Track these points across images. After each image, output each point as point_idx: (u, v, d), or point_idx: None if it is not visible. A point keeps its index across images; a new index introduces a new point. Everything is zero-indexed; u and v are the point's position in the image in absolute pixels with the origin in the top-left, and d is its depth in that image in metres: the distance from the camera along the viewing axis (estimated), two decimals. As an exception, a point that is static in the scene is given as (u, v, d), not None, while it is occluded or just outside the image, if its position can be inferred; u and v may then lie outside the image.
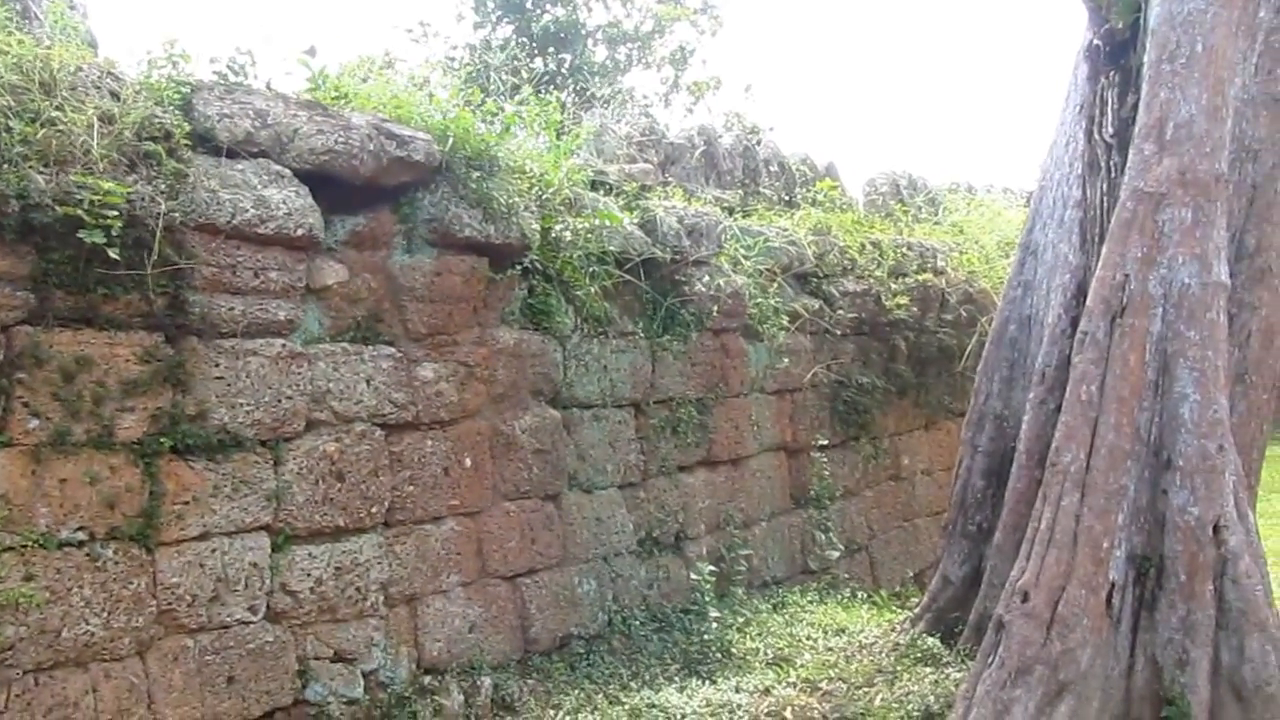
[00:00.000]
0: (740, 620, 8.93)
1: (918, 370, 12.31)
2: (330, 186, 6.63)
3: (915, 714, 6.80)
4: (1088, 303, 6.57)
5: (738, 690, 7.42)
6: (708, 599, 8.77)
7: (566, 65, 19.97)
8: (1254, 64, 7.00)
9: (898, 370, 11.99)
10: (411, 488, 7.13)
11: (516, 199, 7.63)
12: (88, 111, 5.61)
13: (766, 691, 7.38)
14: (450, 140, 7.24)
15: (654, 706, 7.17)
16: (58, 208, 5.26)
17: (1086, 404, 6.31)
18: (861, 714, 6.89)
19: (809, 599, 9.81)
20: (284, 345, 6.43)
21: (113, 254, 5.38)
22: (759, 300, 10.02)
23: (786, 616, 9.19)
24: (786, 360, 10.37)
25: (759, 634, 8.65)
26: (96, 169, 5.49)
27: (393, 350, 7.06)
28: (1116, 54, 7.28)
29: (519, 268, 7.74)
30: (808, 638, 8.62)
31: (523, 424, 7.88)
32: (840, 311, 11.04)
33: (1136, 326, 6.30)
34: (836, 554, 10.77)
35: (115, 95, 5.89)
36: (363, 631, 6.82)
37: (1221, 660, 6.05)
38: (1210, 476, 6.11)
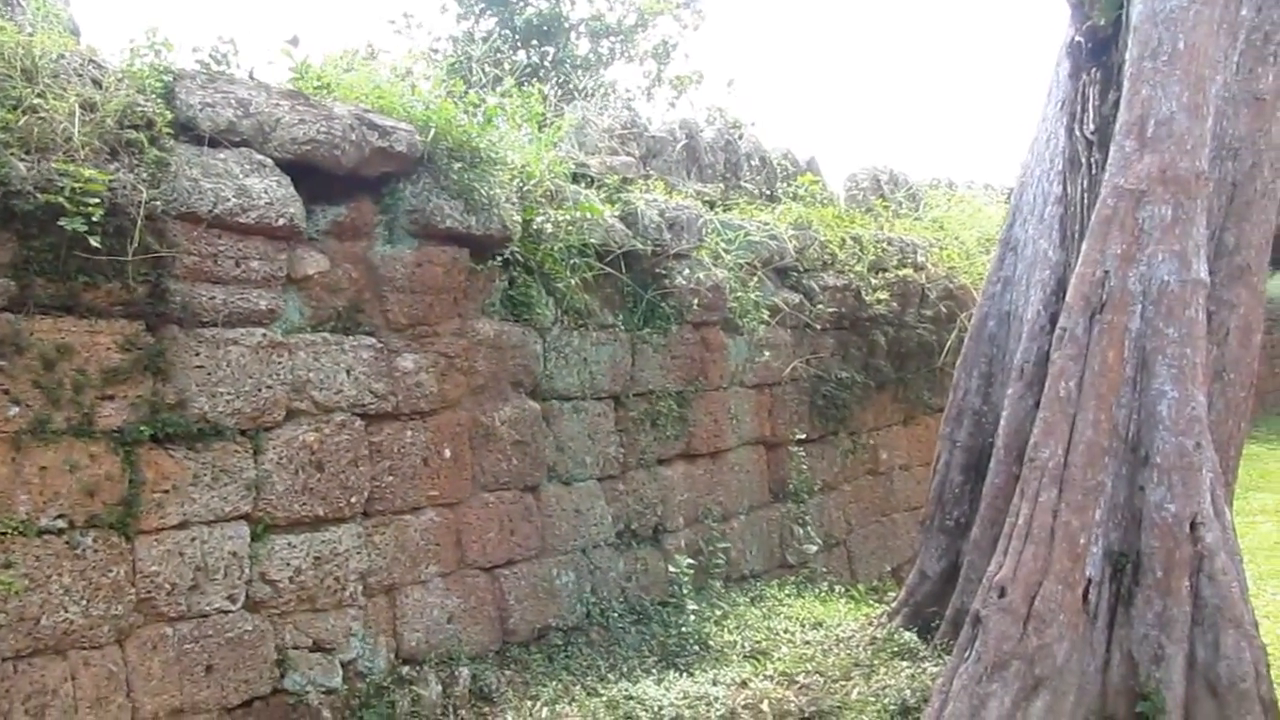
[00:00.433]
0: (718, 613, 8.93)
1: (897, 365, 12.33)
2: (312, 176, 6.63)
3: (892, 707, 6.83)
4: (1067, 299, 6.60)
5: (715, 683, 7.42)
6: (686, 592, 8.77)
7: (549, 58, 19.95)
8: (1235, 62, 7.03)
9: (877, 365, 12.00)
10: (391, 478, 7.13)
11: (498, 190, 7.63)
12: (69, 99, 5.60)
13: (744, 684, 7.40)
14: (432, 131, 7.24)
15: (631, 698, 7.17)
16: (39, 195, 5.25)
17: (1065, 400, 6.34)
18: (838, 707, 6.91)
19: (787, 593, 9.83)
20: (265, 335, 6.42)
21: (94, 242, 5.36)
22: (739, 294, 10.03)
23: (764, 610, 9.20)
24: (766, 354, 10.38)
25: (736, 627, 8.66)
26: (78, 156, 5.48)
27: (373, 341, 7.05)
28: (1098, 51, 7.30)
29: (500, 259, 7.73)
30: (785, 631, 8.64)
31: (502, 415, 7.88)
32: (820, 306, 11.05)
33: (1115, 323, 6.33)
34: (814, 548, 10.78)
35: (97, 83, 5.88)
36: (341, 621, 6.81)
37: (1197, 656, 6.08)
38: (1187, 473, 6.14)
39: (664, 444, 9.36)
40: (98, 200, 5.37)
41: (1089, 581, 6.15)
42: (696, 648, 8.19)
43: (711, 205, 10.74)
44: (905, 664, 7.52)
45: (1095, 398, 6.28)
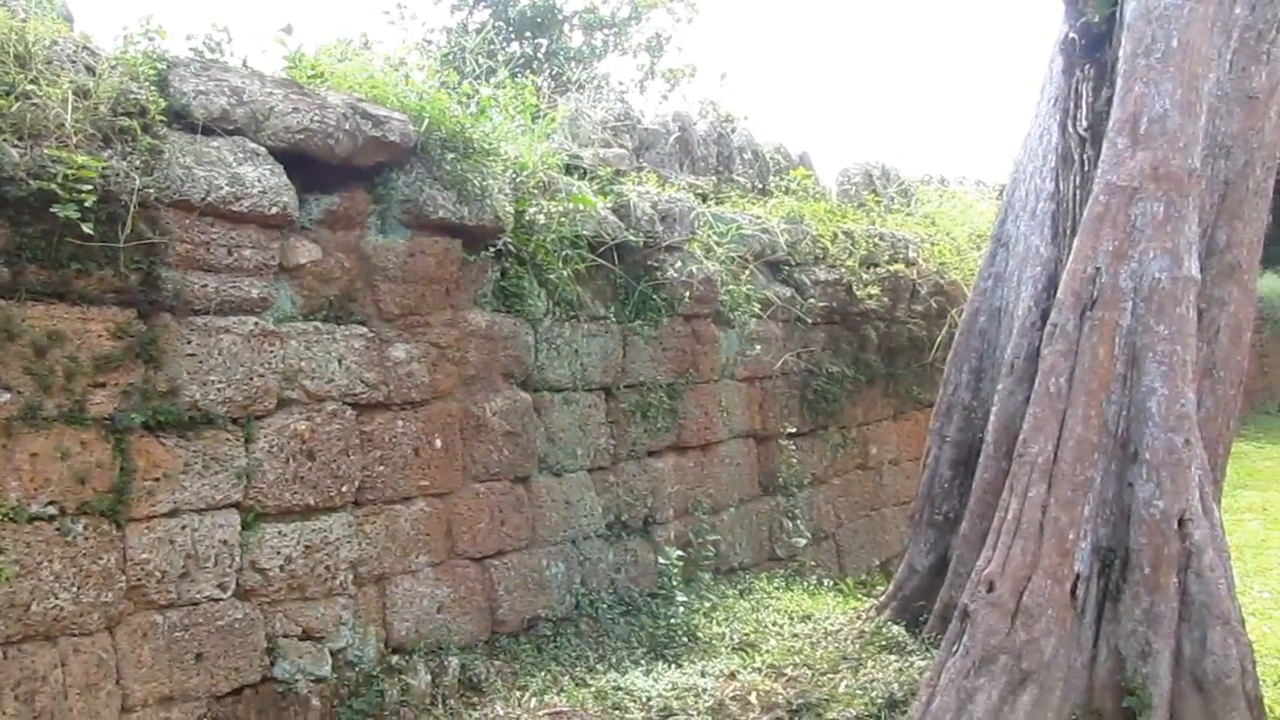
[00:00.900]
0: (707, 605, 8.95)
1: (887, 360, 12.36)
2: (305, 165, 6.63)
3: (879, 701, 6.84)
4: (1058, 295, 6.61)
5: (703, 674, 7.44)
6: (675, 583, 8.80)
7: (543, 50, 19.94)
8: (1228, 60, 7.03)
9: (867, 360, 12.02)
10: (382, 468, 7.13)
11: (491, 181, 7.63)
12: (62, 85, 5.59)
13: (732, 676, 7.41)
14: (426, 121, 7.23)
15: (620, 689, 7.19)
16: (31, 181, 5.24)
17: (1055, 396, 6.35)
18: (826, 700, 6.93)
19: (775, 585, 9.85)
20: (256, 323, 6.42)
21: (86, 229, 5.35)
22: (731, 287, 10.03)
23: (753, 602, 9.22)
24: (757, 347, 10.40)
25: (725, 619, 8.68)
26: (71, 143, 5.47)
27: (365, 330, 7.05)
28: (1092, 48, 7.31)
29: (492, 250, 7.73)
30: (773, 624, 8.65)
31: (493, 406, 7.89)
32: (811, 300, 11.06)
33: (1106, 320, 6.34)
34: (803, 541, 10.81)
35: (90, 70, 5.87)
36: (331, 610, 6.82)
37: (1184, 652, 6.10)
38: (1176, 470, 6.16)
39: (654, 436, 9.37)
40: (90, 187, 5.36)
41: (1077, 577, 6.16)
42: (685, 639, 8.21)
43: (704, 198, 10.77)
44: (893, 657, 7.53)
45: (1085, 394, 6.29)
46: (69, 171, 5.33)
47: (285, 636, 6.60)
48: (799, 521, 10.87)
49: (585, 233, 8.40)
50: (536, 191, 8.17)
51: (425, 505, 7.43)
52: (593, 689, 7.20)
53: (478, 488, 7.81)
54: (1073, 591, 6.15)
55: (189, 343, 6.09)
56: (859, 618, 8.49)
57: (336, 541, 6.84)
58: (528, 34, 19.82)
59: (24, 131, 5.35)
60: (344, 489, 6.88)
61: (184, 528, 6.11)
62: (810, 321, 11.11)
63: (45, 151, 5.35)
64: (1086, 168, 7.19)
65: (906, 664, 7.37)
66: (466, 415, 7.71)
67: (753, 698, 7.02)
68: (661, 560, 8.90)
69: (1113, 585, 6.28)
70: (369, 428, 7.07)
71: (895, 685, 7.00)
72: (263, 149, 6.42)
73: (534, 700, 7.03)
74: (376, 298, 7.11)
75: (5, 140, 5.26)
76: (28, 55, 5.61)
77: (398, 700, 6.83)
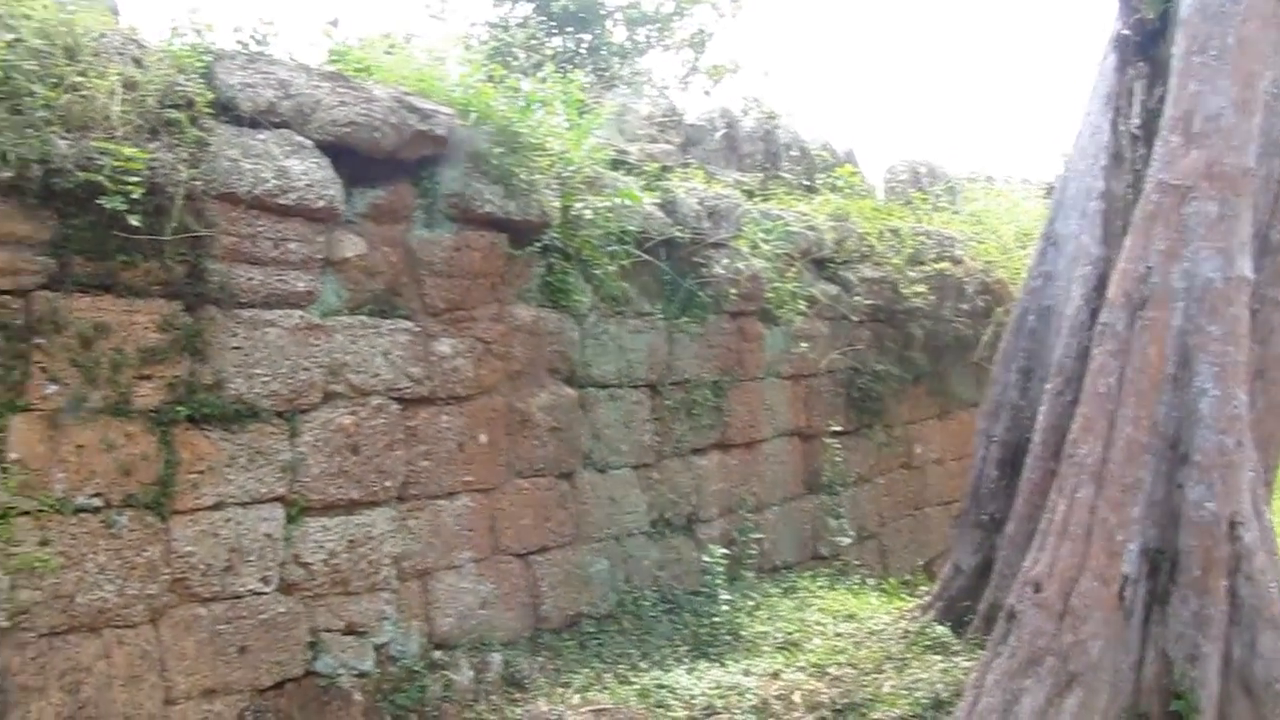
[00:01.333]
0: (750, 604, 8.91)
1: (933, 359, 12.27)
2: (350, 159, 6.63)
3: (924, 701, 6.78)
4: (1108, 295, 6.54)
5: (747, 673, 7.40)
6: (718, 582, 8.77)
7: (585, 45, 19.90)
8: (1285, 58, 6.94)
9: (913, 358, 11.95)
10: (426, 463, 7.13)
11: (537, 176, 7.64)
12: (110, 78, 5.61)
13: (775, 675, 7.37)
14: (472, 115, 7.23)
15: (663, 687, 7.16)
16: (79, 173, 5.26)
17: (1105, 396, 6.29)
18: (870, 700, 6.88)
19: (819, 584, 9.79)
20: (302, 317, 6.44)
21: (133, 221, 5.38)
22: (777, 284, 9.99)
23: (796, 601, 9.17)
24: (803, 345, 10.35)
25: (769, 618, 8.64)
26: (118, 135, 5.48)
27: (410, 324, 7.06)
28: (1145, 45, 7.23)
29: (538, 245, 7.73)
30: (817, 623, 8.60)
31: (538, 402, 7.88)
32: (857, 298, 11.01)
33: (1157, 320, 6.27)
34: (847, 540, 10.76)
35: (138, 62, 5.88)
36: (374, 605, 6.82)
37: (1233, 656, 6.02)
38: (1227, 472, 6.08)
39: (699, 433, 9.35)
40: (138, 179, 5.38)
41: (1125, 579, 6.09)
42: (728, 638, 8.18)
43: (750, 195, 10.72)
44: (938, 658, 7.47)
45: (1135, 394, 6.22)
46: (116, 163, 5.35)
47: (328, 631, 6.60)
48: (843, 520, 10.81)
49: (631, 228, 8.39)
50: (583, 186, 8.15)
51: (469, 500, 7.43)
52: (636, 687, 7.17)
53: (522, 483, 7.80)
54: (1120, 593, 6.07)
55: (235, 336, 6.10)
56: (903, 618, 8.43)
57: (380, 536, 6.84)
58: (570, 29, 19.77)
59: (72, 123, 5.38)
60: (388, 484, 6.88)
61: (228, 521, 6.12)
62: (856, 319, 11.06)
63: (93, 143, 5.36)
64: (1138, 166, 7.12)
65: (951, 665, 7.30)
66: (511, 410, 7.70)
67: (796, 697, 6.98)
68: (705, 558, 8.87)
69: (1161, 588, 6.20)
70: (413, 422, 7.07)
71: (940, 686, 6.94)
72: (309, 142, 6.42)
73: (577, 697, 7.01)
74: (422, 292, 7.11)
75: (54, 132, 5.28)
76: (76, 47, 5.63)
77: (440, 696, 6.82)
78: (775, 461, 10.25)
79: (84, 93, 5.46)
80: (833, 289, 10.87)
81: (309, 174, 6.30)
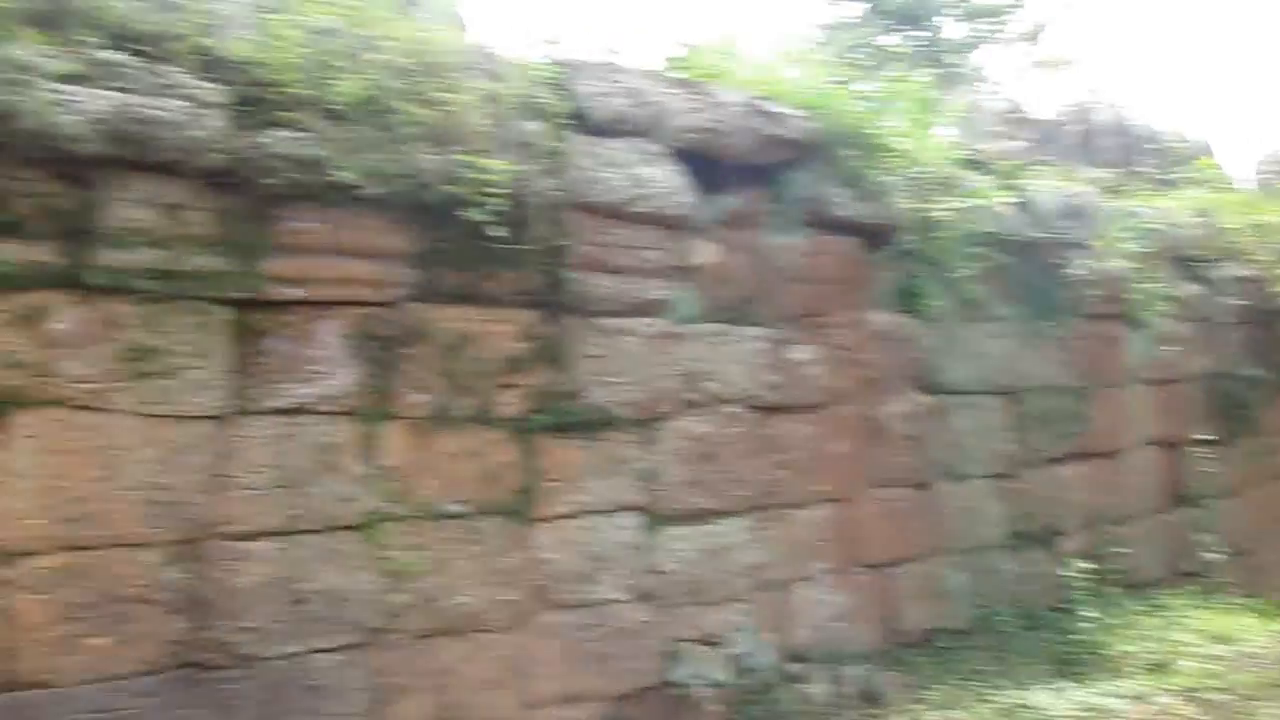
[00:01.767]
0: (1113, 621, 8.52)
1: (1308, 364, 11.56)
2: (700, 165, 6.60)
3: (1309, 731, 6.36)
4: None
5: (1113, 695, 7.05)
6: (1079, 597, 8.44)
7: (919, 43, 19.63)
8: None
9: (1285, 363, 11.29)
10: (780, 472, 7.05)
11: (889, 178, 7.47)
12: (471, 92, 5.71)
13: (1143, 698, 7.00)
14: (822, 118, 7.12)
15: (1025, 706, 6.87)
16: (444, 187, 5.37)
17: None
18: (1250, 729, 6.48)
19: (1186, 603, 9.28)
20: (658, 325, 6.45)
21: (495, 232, 5.45)
22: (1138, 285, 9.56)
23: (1162, 620, 8.71)
24: (1166, 349, 9.87)
25: (1133, 637, 8.22)
26: (478, 148, 5.58)
27: (764, 331, 6.99)
28: None
29: (892, 249, 7.57)
30: (1187, 644, 8.15)
31: (893, 410, 7.70)
32: (1224, 298, 10.45)
33: None
34: (1218, 556, 10.21)
35: (494, 76, 5.97)
36: (729, 615, 6.77)
37: None
38: None
39: (1057, 442, 9.01)
40: (500, 191, 5.45)
41: None
42: (1090, 657, 7.82)
43: (1107, 191, 10.31)
44: (1326, 686, 7.00)
45: None
46: (478, 176, 5.43)
47: (683, 640, 6.57)
48: (1212, 535, 10.27)
49: (986, 230, 8.12)
50: (935, 187, 7.94)
51: (824, 511, 7.31)
52: (995, 705, 6.91)
53: (877, 494, 7.63)
54: None
55: (592, 345, 6.15)
56: (1284, 641, 7.96)
57: (734, 546, 6.79)
58: (904, 26, 19.56)
59: (436, 138, 5.49)
60: (743, 493, 6.83)
61: (587, 529, 6.17)
62: (1223, 321, 10.49)
63: (455, 157, 5.46)
64: None
65: (1340, 693, 6.83)
66: (866, 419, 7.55)
67: (1170, 722, 6.63)
68: (1065, 573, 8.54)
69: None
70: (768, 431, 7.00)
71: (1329, 715, 6.50)
72: (661, 149, 6.42)
73: (934, 714, 6.80)
74: (776, 298, 7.02)
75: (420, 147, 5.40)
76: (436, 64, 5.74)
77: (794, 709, 6.71)
78: (1138, 472, 9.80)
79: (446, 108, 5.57)
80: (1197, 289, 10.33)
81: (663, 181, 6.30)
